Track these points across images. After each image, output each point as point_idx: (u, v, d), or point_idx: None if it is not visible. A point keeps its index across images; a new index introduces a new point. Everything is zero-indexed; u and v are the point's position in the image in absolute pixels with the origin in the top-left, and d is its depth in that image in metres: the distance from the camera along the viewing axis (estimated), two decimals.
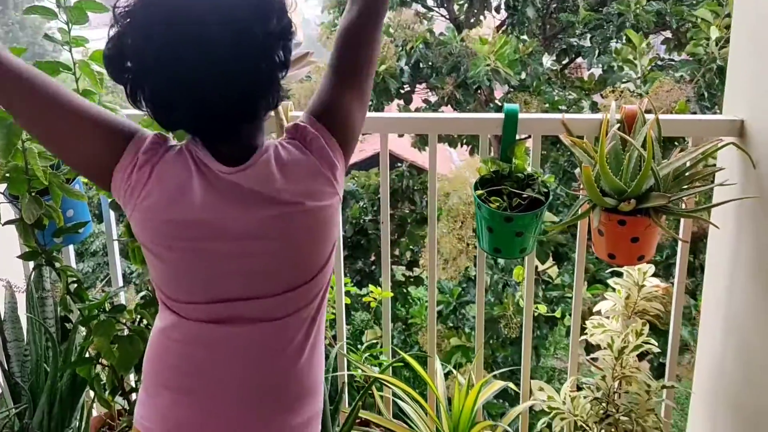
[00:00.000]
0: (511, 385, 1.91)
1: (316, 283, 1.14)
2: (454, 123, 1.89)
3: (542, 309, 2.51)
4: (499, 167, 1.72)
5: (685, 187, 1.61)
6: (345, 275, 5.64)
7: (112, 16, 1.02)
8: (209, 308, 1.11)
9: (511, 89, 5.17)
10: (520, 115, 1.71)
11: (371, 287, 1.96)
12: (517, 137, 1.72)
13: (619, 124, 1.67)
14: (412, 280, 5.65)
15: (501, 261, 4.50)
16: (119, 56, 1.03)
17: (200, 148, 1.10)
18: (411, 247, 5.51)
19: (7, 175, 1.56)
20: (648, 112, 1.69)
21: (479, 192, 1.69)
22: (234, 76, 1.01)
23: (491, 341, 4.75)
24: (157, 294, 1.17)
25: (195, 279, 1.10)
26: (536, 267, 4.82)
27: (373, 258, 5.45)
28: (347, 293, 1.97)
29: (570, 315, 2.39)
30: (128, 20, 1.01)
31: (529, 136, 1.80)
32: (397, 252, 5.57)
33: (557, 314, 3.71)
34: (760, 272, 1.65)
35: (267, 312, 1.11)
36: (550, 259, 4.81)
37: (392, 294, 5.49)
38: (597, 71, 5.79)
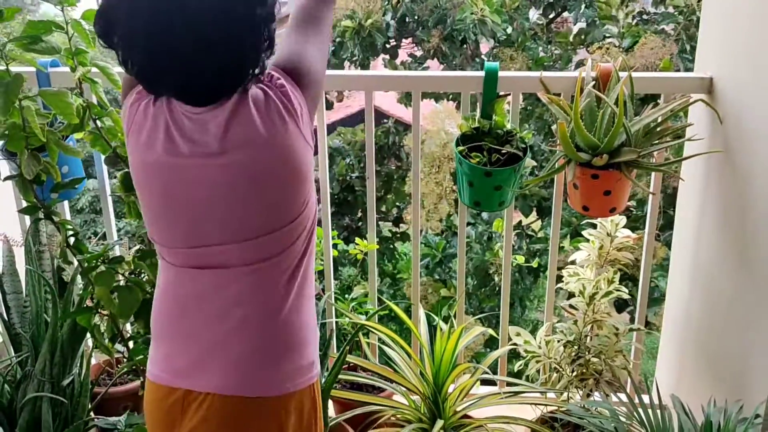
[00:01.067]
0: (490, 330, 2.02)
1: (294, 229, 1.17)
2: (436, 81, 1.96)
3: (520, 259, 2.61)
4: (480, 124, 1.79)
5: (656, 142, 1.69)
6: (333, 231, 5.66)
7: None
8: (189, 253, 1.18)
9: (497, 44, 5.18)
10: (500, 73, 1.77)
11: (357, 240, 2.05)
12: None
13: (594, 82, 1.74)
14: (398, 235, 5.74)
15: (485, 214, 4.59)
16: (107, 24, 1.07)
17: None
18: (397, 203, 5.59)
19: (6, 132, 1.62)
20: (623, 69, 1.76)
21: (460, 148, 1.76)
22: (218, 46, 1.05)
23: (479, 292, 4.87)
24: (155, 243, 1.24)
25: (173, 222, 1.17)
26: (520, 221, 4.93)
27: (359, 214, 5.52)
28: (334, 246, 2.05)
29: None
30: None
31: (509, 94, 1.86)
32: (383, 208, 5.64)
33: (534, 264, 3.82)
34: (725, 222, 1.75)
35: (244, 257, 1.16)
36: (534, 213, 4.92)
37: (379, 247, 5.59)
38: (583, 25, 5.80)
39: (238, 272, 1.17)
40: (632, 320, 3.79)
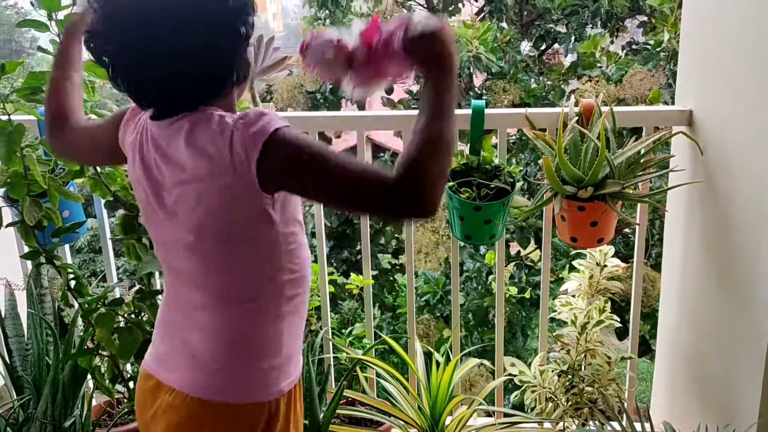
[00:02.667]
0: (485, 362, 2.05)
1: (230, 283, 1.18)
2: None
3: (512, 290, 2.64)
4: (468, 160, 1.84)
5: (639, 173, 1.74)
6: (332, 265, 5.66)
7: (89, 4, 1.11)
8: (166, 269, 1.26)
9: (490, 77, 5.27)
10: (487, 111, 1.83)
11: (353, 275, 2.08)
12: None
13: (577, 117, 1.79)
14: (398, 267, 5.76)
15: (483, 249, 4.62)
16: (94, 39, 1.12)
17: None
18: (396, 235, 5.63)
19: (8, 180, 1.67)
20: (605, 103, 1.81)
21: (450, 184, 1.81)
22: (192, 55, 1.07)
23: (480, 328, 4.88)
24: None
25: (151, 228, 1.26)
26: (518, 251, 4.95)
27: (358, 248, 5.55)
28: (333, 282, 2.08)
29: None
30: (98, 6, 1.10)
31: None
32: (382, 240, 5.66)
33: (527, 295, 3.84)
34: (708, 249, 1.79)
35: (210, 278, 1.19)
36: (532, 243, 4.96)
37: (378, 282, 5.56)
38: (574, 57, 5.91)
39: (204, 286, 1.20)
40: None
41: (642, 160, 1.75)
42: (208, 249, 1.16)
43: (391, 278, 5.72)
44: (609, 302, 1.90)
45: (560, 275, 4.52)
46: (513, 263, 4.87)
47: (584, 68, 4.81)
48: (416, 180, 0.99)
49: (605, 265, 1.91)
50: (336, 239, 5.35)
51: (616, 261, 1.91)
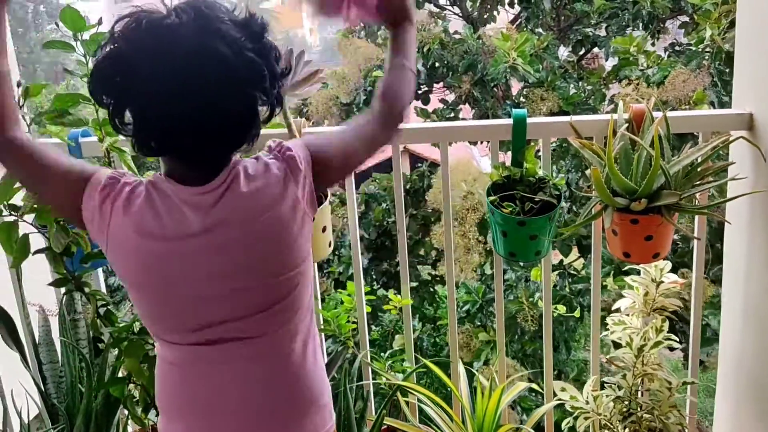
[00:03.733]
0: (534, 386, 1.93)
1: (293, 301, 1.17)
2: (465, 131, 1.92)
3: (561, 309, 2.51)
4: (511, 172, 1.74)
5: (697, 183, 1.62)
6: (371, 277, 5.59)
7: (109, 36, 1.06)
8: (199, 334, 1.15)
9: (528, 85, 5.16)
10: (529, 120, 1.73)
11: (391, 295, 1.99)
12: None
13: (627, 124, 1.68)
14: (438, 278, 5.66)
15: None
16: (105, 78, 1.06)
17: (164, 179, 1.13)
18: (435, 246, 5.53)
19: (35, 206, 1.62)
20: (656, 108, 1.70)
21: (492, 198, 1.71)
22: (220, 111, 1.06)
23: (518, 336, 4.75)
24: (149, 330, 1.22)
25: (177, 309, 1.15)
26: (561, 260, 4.83)
27: (398, 259, 5.46)
28: (373, 293, 2.00)
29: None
30: (120, 45, 1.05)
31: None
32: (421, 252, 5.57)
33: (576, 314, 3.68)
34: None
35: (249, 330, 1.16)
36: (575, 251, 4.81)
37: (417, 294, 5.47)
38: (615, 61, 5.75)
39: (249, 342, 1.16)
40: (685, 358, 3.63)
41: (699, 169, 1.63)
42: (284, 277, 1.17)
43: (432, 289, 5.63)
44: (666, 321, 1.77)
45: (604, 283, 4.37)
46: (556, 272, 4.74)
47: (623, 66, 4.67)
48: (403, 114, 1.29)
49: (662, 281, 1.79)
50: (375, 251, 5.28)
51: (674, 277, 1.79)
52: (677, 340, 1.78)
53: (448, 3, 6.66)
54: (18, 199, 1.64)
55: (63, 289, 1.86)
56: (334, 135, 1.28)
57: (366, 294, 1.96)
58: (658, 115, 1.66)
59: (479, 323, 4.96)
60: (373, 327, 4.75)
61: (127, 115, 1.08)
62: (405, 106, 1.30)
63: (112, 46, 1.06)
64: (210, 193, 1.11)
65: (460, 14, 6.65)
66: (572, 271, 4.90)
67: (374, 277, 5.44)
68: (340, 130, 1.30)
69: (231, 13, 1.09)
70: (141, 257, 1.11)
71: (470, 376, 1.95)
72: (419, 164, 5.90)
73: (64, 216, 1.28)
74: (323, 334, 1.98)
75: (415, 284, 5.51)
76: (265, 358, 1.18)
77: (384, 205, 5.34)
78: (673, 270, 1.85)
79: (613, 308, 1.90)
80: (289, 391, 1.20)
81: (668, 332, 1.76)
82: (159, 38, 1.04)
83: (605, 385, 1.79)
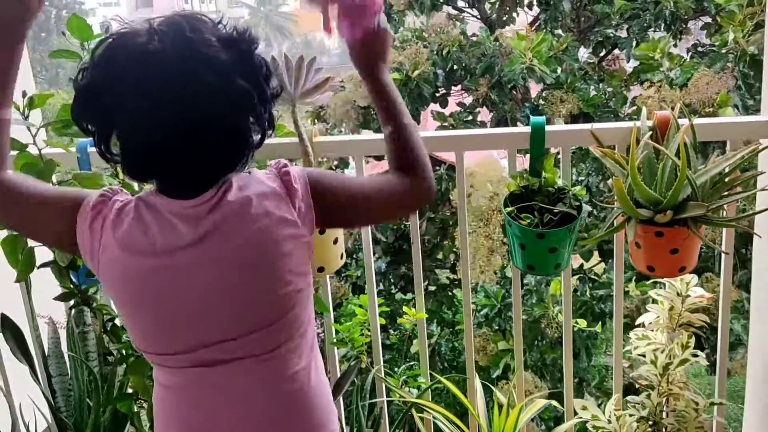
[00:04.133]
0: (555, 403, 1.87)
1: (293, 320, 1.12)
2: (480, 139, 1.85)
3: (582, 323, 2.42)
4: (529, 182, 1.68)
5: (725, 194, 1.54)
6: (389, 281, 5.54)
7: (90, 61, 1.01)
8: (193, 356, 1.10)
9: (547, 87, 5.08)
10: (548, 128, 1.66)
11: (405, 308, 1.94)
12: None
13: (651, 132, 1.61)
14: (456, 282, 5.59)
15: None
16: (87, 107, 1.03)
17: (154, 194, 1.09)
18: (454, 249, 5.46)
19: None
20: (683, 114, 1.62)
21: (509, 209, 1.65)
22: (207, 141, 1.02)
23: (538, 344, 4.68)
24: (143, 354, 1.17)
25: (170, 328, 1.10)
26: (581, 265, 4.75)
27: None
28: (391, 298, 1.95)
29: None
30: (101, 73, 1.00)
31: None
32: (440, 255, 5.52)
33: (598, 329, 3.59)
34: None
35: (246, 351, 1.10)
36: (596, 255, 4.72)
37: (435, 298, 5.41)
38: (636, 63, 5.65)
39: (248, 363, 1.11)
40: (711, 365, 3.53)
41: (727, 179, 1.55)
42: (279, 296, 1.12)
43: (450, 293, 5.58)
44: (693, 337, 1.70)
45: (626, 289, 4.28)
46: (576, 276, 4.66)
47: (645, 71, 4.58)
48: (426, 175, 1.21)
49: (687, 296, 1.71)
50: (393, 254, 5.23)
51: (700, 291, 1.71)
52: (703, 355, 1.70)
53: (467, 5, 6.59)
54: None
55: (71, 302, 1.83)
56: (344, 176, 1.24)
57: (383, 298, 1.91)
58: (683, 122, 1.59)
59: (497, 327, 4.89)
60: (391, 331, 4.71)
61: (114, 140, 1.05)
62: (427, 165, 1.22)
63: (93, 73, 1.01)
64: (201, 205, 1.06)
65: (479, 16, 6.57)
66: (593, 276, 4.82)
67: (392, 281, 5.39)
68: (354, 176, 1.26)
69: (217, 28, 1.03)
70: (132, 276, 1.07)
71: (486, 387, 1.89)
72: (437, 167, 5.84)
73: (65, 251, 1.22)
74: (336, 348, 1.93)
75: (433, 288, 5.45)
76: (265, 382, 1.12)
77: None
78: (696, 273, 1.77)
79: (636, 323, 1.82)
80: (291, 418, 1.14)
81: (695, 351, 1.68)
82: (141, 66, 0.98)
83: (628, 404, 1.72)
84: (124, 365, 1.76)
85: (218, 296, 1.07)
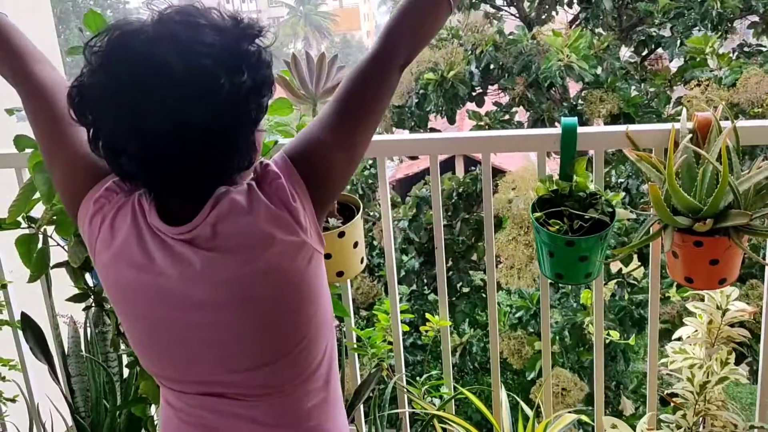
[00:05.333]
0: (584, 418, 1.78)
1: (302, 355, 1.01)
2: (507, 141, 1.77)
3: (615, 335, 2.32)
4: (559, 186, 1.60)
5: None
6: (422, 281, 5.45)
7: (84, 55, 0.94)
8: (193, 385, 1.03)
9: (586, 86, 4.95)
10: (580, 129, 1.58)
11: (428, 315, 1.87)
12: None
13: (691, 135, 1.51)
14: None
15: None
16: (81, 98, 0.94)
17: (148, 202, 0.99)
18: (486, 251, 5.37)
19: (55, 217, 1.56)
20: (724, 117, 1.52)
21: (537, 214, 1.57)
22: (195, 134, 0.90)
23: (577, 348, 4.57)
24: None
25: (166, 353, 1.03)
26: (620, 269, 4.63)
27: (450, 263, 5.35)
28: (423, 299, 1.88)
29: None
30: (94, 64, 0.92)
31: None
32: (474, 257, 5.44)
33: (632, 342, 3.46)
34: None
35: (251, 387, 1.01)
36: (635, 260, 4.59)
37: (469, 300, 5.32)
38: (680, 62, 5.48)
39: (246, 403, 1.02)
40: (751, 373, 3.38)
41: None
42: (288, 326, 1.02)
43: (484, 295, 5.50)
44: (733, 353, 1.59)
45: (666, 294, 4.14)
46: (614, 281, 4.54)
47: (693, 67, 4.42)
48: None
49: (727, 309, 1.61)
50: (426, 255, 5.17)
51: (742, 305, 1.60)
52: (744, 374, 1.59)
53: (505, 3, 6.48)
54: (37, 211, 1.59)
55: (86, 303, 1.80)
56: (315, 122, 1.06)
57: (415, 298, 1.84)
58: (726, 124, 1.49)
59: (533, 330, 4.80)
60: (424, 333, 4.65)
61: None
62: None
63: (85, 77, 0.94)
64: (193, 231, 0.97)
65: (517, 15, 6.46)
66: (632, 281, 4.69)
67: (425, 281, 5.32)
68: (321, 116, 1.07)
69: (222, 32, 0.92)
70: (125, 291, 1.00)
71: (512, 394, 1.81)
72: (473, 167, 5.74)
73: (63, 202, 1.13)
74: (356, 354, 1.87)
75: (466, 290, 5.38)
76: (272, 427, 1.02)
77: None
78: (740, 280, 1.67)
79: (673, 336, 1.72)
80: None
81: (736, 367, 1.57)
82: (135, 76, 0.90)
83: (662, 425, 1.62)
84: (137, 368, 1.73)
85: (214, 334, 0.99)
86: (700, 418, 1.56)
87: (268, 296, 0.97)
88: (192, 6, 0.94)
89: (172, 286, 0.97)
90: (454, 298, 5.23)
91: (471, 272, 5.41)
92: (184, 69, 0.88)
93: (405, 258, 5.24)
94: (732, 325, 1.63)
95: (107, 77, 0.91)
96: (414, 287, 5.22)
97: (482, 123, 5.04)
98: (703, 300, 1.66)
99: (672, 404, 1.60)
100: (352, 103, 1.04)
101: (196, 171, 0.94)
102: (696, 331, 1.66)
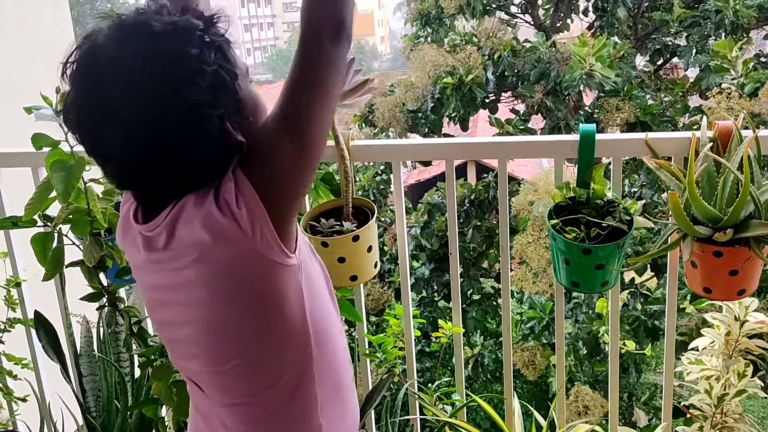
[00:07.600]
0: (598, 428, 1.76)
1: (237, 372, 1.01)
2: (524, 147, 1.75)
3: (630, 345, 2.29)
4: (576, 193, 1.58)
5: None
6: (432, 288, 5.45)
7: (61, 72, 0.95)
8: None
9: (602, 95, 4.93)
10: (598, 136, 1.56)
11: (441, 322, 1.85)
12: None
13: (711, 143, 1.49)
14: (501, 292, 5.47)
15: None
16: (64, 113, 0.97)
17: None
18: (500, 258, 5.34)
19: (70, 216, 1.56)
20: (745, 126, 1.50)
21: (554, 222, 1.55)
22: (150, 151, 0.91)
23: (591, 358, 4.54)
24: None
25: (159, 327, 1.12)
26: (633, 278, 4.59)
27: (459, 271, 5.33)
28: (434, 306, 1.86)
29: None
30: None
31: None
32: (485, 264, 5.42)
33: (648, 352, 3.44)
34: None
35: (220, 389, 1.05)
36: (648, 270, 4.55)
37: (480, 307, 5.29)
38: (696, 71, 5.45)
39: (217, 403, 1.06)
40: (765, 386, 3.34)
41: None
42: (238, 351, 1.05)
43: (495, 302, 5.48)
44: (751, 366, 1.57)
45: (681, 305, 4.11)
46: (627, 291, 4.50)
47: (716, 72, 4.38)
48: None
49: (746, 321, 1.59)
50: (437, 261, 5.15)
51: (761, 316, 1.58)
52: (762, 385, 1.57)
53: (520, 11, 6.47)
54: (53, 210, 1.59)
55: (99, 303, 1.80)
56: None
57: (426, 305, 1.83)
58: (747, 133, 1.47)
59: (546, 341, 4.76)
60: (434, 340, 4.64)
61: None
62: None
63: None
64: (154, 231, 0.99)
65: (532, 22, 6.44)
66: (645, 291, 4.65)
67: (435, 288, 5.31)
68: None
69: (205, 49, 0.91)
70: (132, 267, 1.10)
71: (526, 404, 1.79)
72: (485, 174, 5.72)
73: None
74: (367, 360, 1.86)
75: (477, 297, 5.35)
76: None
77: (447, 215, 5.20)
78: (759, 292, 1.64)
79: (690, 347, 1.70)
80: None
81: (753, 380, 1.55)
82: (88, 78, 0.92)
83: None
84: (149, 369, 1.72)
85: (182, 319, 1.04)
86: (717, 431, 1.53)
87: (202, 305, 0.98)
88: (145, 14, 0.93)
89: (146, 280, 1.07)
90: (464, 305, 5.21)
91: (482, 279, 5.40)
92: (132, 98, 0.89)
93: (416, 264, 5.23)
94: (750, 337, 1.60)
95: (72, 103, 0.94)
96: (423, 294, 5.21)
97: (502, 131, 5.01)
98: (721, 311, 1.64)
99: (688, 416, 1.57)
100: (296, 88, 0.96)
101: (163, 177, 0.96)
102: (713, 342, 1.64)
